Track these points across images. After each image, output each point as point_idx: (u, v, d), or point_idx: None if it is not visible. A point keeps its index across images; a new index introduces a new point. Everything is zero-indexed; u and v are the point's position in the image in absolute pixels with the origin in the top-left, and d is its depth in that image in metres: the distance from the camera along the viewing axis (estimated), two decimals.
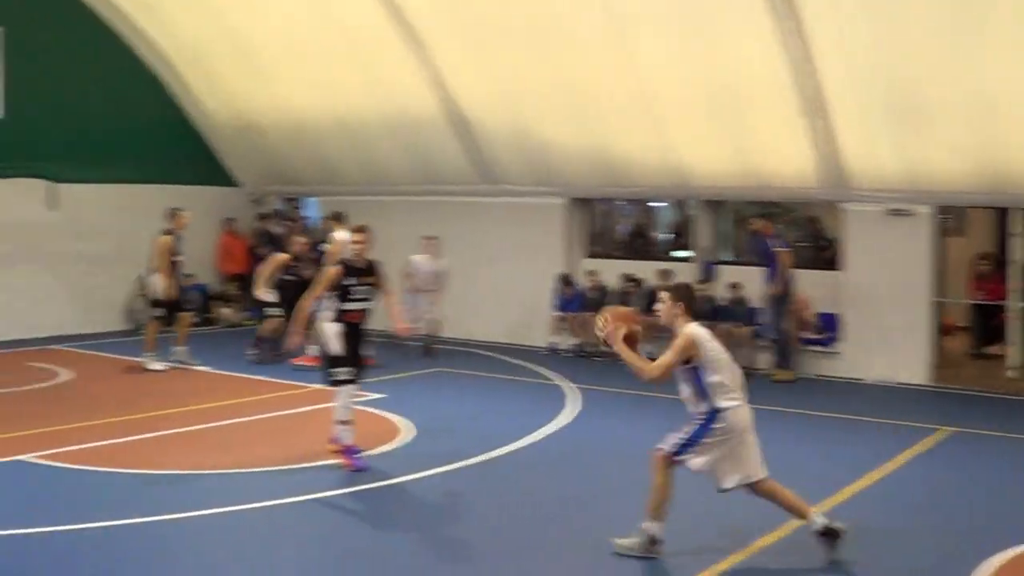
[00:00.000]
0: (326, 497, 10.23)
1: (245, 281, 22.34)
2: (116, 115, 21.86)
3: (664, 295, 8.57)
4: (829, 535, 8.36)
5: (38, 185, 20.68)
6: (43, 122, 20.57)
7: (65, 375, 16.57)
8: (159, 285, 17.00)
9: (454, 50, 18.77)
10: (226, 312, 22.61)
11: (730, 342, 17.88)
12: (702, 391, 8.33)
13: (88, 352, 18.85)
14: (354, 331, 11.29)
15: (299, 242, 18.28)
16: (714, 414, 8.27)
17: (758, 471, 8.46)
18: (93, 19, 21.55)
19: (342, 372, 11.20)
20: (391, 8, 18.45)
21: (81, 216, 20.93)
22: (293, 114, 21.96)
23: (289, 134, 22.53)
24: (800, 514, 8.49)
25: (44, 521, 9.32)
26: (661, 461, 8.43)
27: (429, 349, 18.68)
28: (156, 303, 17.17)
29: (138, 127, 22.21)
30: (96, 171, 21.37)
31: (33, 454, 11.46)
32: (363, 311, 11.42)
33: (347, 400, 11.21)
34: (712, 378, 8.29)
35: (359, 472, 10.94)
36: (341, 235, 16.32)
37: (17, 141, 20.00)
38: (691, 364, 8.30)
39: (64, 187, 20.95)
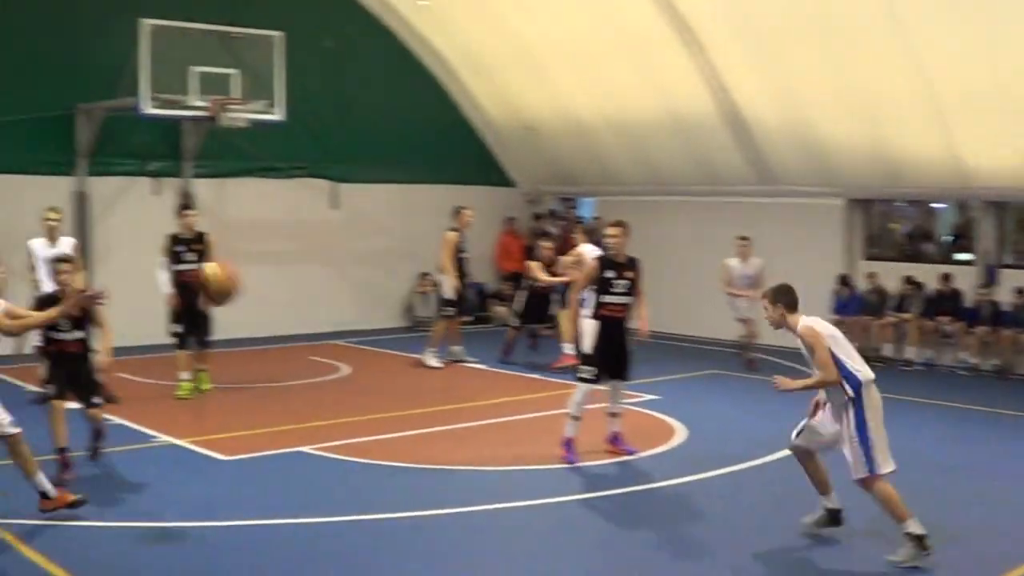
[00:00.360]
0: (598, 497, 10.14)
1: (520, 280, 22.67)
2: (396, 117, 22.38)
3: (766, 303, 8.71)
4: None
5: (321, 185, 21.41)
6: (324, 125, 21.27)
7: (345, 370, 17.05)
8: (448, 283, 17.25)
9: (732, 49, 18.45)
10: (501, 311, 22.81)
11: (1013, 349, 17.06)
12: (845, 373, 8.33)
13: (367, 348, 19.35)
14: (611, 329, 11.07)
15: (546, 247, 18.27)
16: (859, 390, 8.29)
17: None
18: (373, 23, 22.13)
19: (586, 371, 11.07)
20: (669, 9, 18.29)
21: (362, 215, 21.54)
22: (570, 115, 22.01)
23: (566, 135, 22.60)
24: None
25: (320, 511, 9.55)
26: (871, 484, 8.33)
27: (750, 362, 17.92)
28: (447, 302, 17.41)
29: (418, 129, 22.67)
30: (376, 172, 21.96)
31: (312, 446, 11.77)
32: (622, 307, 11.20)
33: (582, 398, 11.09)
34: (844, 357, 8.37)
35: (627, 472, 10.78)
36: (587, 248, 16.24)
37: (300, 144, 20.73)
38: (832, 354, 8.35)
39: (345, 187, 21.62)
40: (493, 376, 16.84)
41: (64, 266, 10.44)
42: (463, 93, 23.39)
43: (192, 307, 14.41)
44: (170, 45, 16.94)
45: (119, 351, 17.69)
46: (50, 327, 10.33)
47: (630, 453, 11.47)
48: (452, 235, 17.31)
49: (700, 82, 19.06)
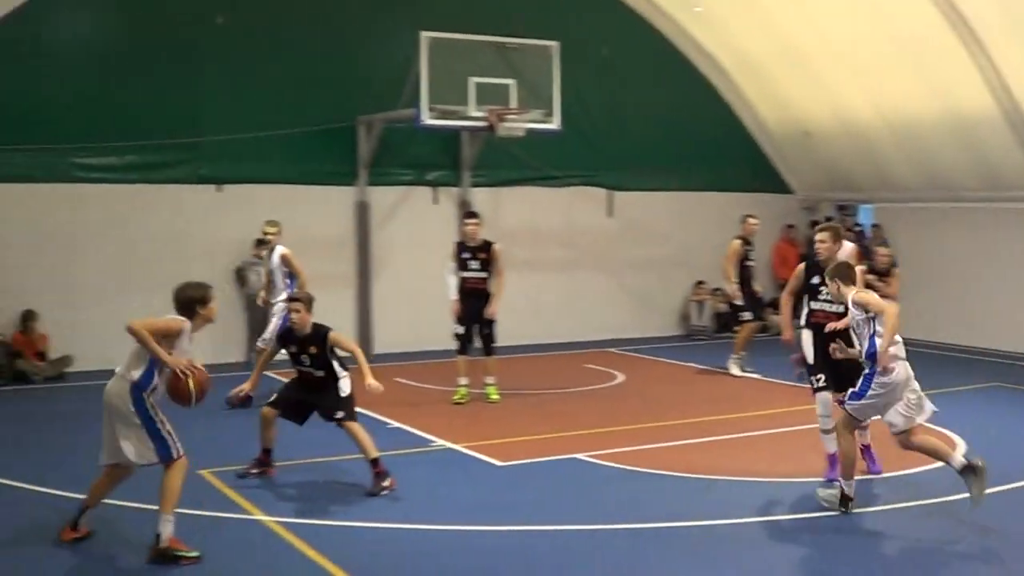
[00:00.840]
0: (870, 512, 9.70)
1: None
2: (671, 124, 22.23)
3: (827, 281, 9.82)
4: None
5: (597, 194, 21.42)
6: (599, 133, 21.31)
7: (620, 378, 16.94)
8: (729, 290, 17.09)
9: (1013, 47, 17.52)
10: (776, 319, 22.26)
11: None
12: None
13: (642, 356, 19.21)
14: (824, 334, 10.48)
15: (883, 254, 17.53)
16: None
17: None
18: (647, 29, 22.01)
19: (815, 380, 10.56)
20: (949, 9, 17.52)
21: (637, 223, 21.43)
22: (847, 119, 21.40)
23: (842, 139, 21.99)
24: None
25: (593, 518, 9.47)
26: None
27: None
28: (740, 308, 17.17)
29: (693, 136, 22.46)
30: (652, 179, 21.86)
31: (586, 453, 11.71)
32: (830, 313, 10.59)
33: (822, 409, 10.61)
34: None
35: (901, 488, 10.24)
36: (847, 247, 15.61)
37: (575, 152, 20.82)
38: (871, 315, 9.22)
39: (620, 195, 21.58)
40: (767, 386, 16.44)
41: (295, 304, 10.62)
42: (738, 98, 23.04)
43: (475, 314, 14.64)
44: (449, 57, 17.24)
45: (397, 356, 18.25)
46: (294, 360, 10.57)
47: (874, 472, 10.85)
48: (736, 243, 17.03)
49: (981, 82, 18.19)
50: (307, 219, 18.63)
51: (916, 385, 9.35)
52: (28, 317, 16.90)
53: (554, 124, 18.12)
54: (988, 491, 9.54)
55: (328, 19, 19.15)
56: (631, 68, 21.75)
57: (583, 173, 21.31)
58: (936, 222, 21.14)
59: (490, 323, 14.79)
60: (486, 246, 14.83)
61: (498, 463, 11.40)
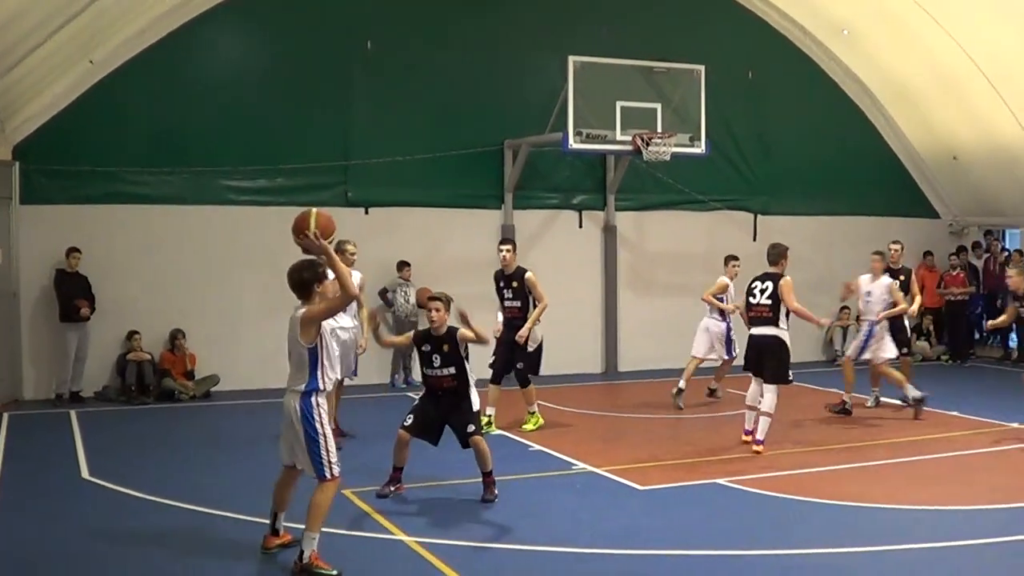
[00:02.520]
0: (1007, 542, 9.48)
1: (938, 315, 22.27)
2: (817, 148, 22.11)
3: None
4: None
5: (742, 218, 21.33)
6: (745, 156, 21.27)
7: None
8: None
9: None
10: (922, 346, 21.89)
11: None
12: None
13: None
14: None
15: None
16: None
17: None
18: (794, 53, 21.95)
19: None
20: None
21: None
22: (995, 144, 21.08)
23: (990, 163, 21.68)
24: None
25: (736, 544, 9.46)
26: None
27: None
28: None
29: (839, 159, 22.34)
30: (798, 203, 21.81)
31: (727, 478, 11.68)
32: None
33: None
34: None
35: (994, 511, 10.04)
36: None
37: (720, 175, 20.88)
38: None
39: (766, 219, 21.51)
40: (908, 414, 16.15)
41: (435, 303, 10.79)
42: (885, 122, 22.78)
43: (508, 344, 14.18)
44: (595, 81, 17.38)
45: (544, 379, 18.34)
46: (426, 362, 10.78)
47: None
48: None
49: None
50: (453, 242, 18.91)
51: None
52: (176, 336, 17.43)
53: (700, 148, 18.13)
54: None
55: (476, 44, 19.45)
56: (777, 92, 21.66)
57: (728, 197, 21.27)
58: None
59: (523, 352, 14.19)
60: (519, 274, 14.22)
61: (639, 487, 11.42)
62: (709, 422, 15.47)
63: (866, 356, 15.81)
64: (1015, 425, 14.91)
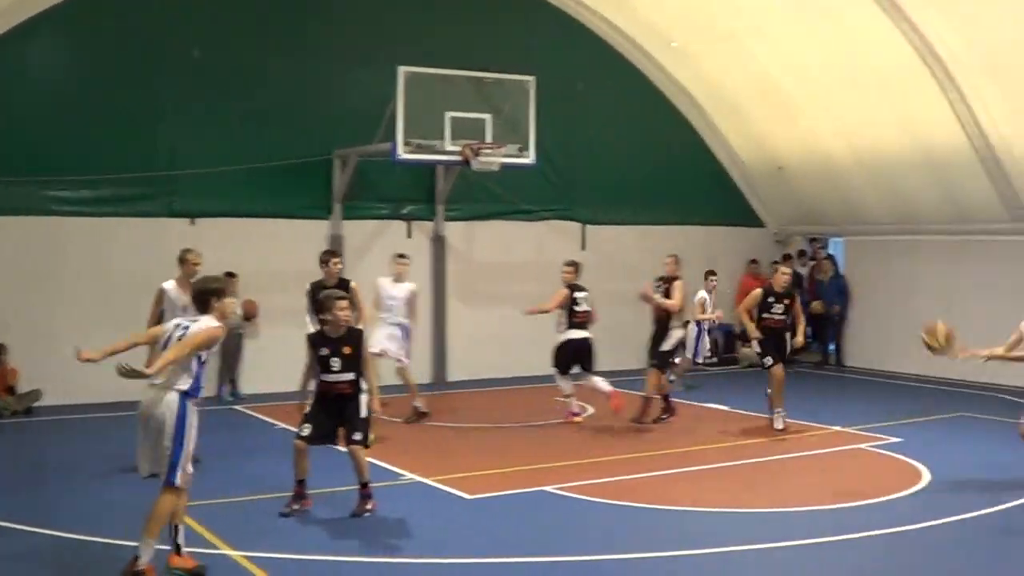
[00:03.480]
0: (838, 541, 9.78)
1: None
2: (645, 158, 22.47)
3: None
4: None
5: (571, 227, 21.58)
6: (574, 167, 21.54)
7: (589, 410, 16.99)
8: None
9: (984, 83, 17.80)
10: (746, 351, 22.43)
11: None
12: None
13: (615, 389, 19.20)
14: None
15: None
16: None
17: None
18: (623, 66, 22.29)
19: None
20: (920, 44, 17.76)
21: (610, 257, 21.50)
22: (819, 153, 21.72)
23: (814, 173, 22.30)
24: None
25: (557, 550, 9.55)
26: None
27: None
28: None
29: (667, 169, 22.73)
30: (625, 213, 22.13)
31: (555, 486, 11.78)
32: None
33: None
34: None
35: (878, 516, 10.37)
36: None
37: (549, 186, 21.07)
38: None
39: (594, 229, 21.78)
40: (733, 418, 16.65)
41: (343, 303, 10.79)
42: (712, 133, 23.29)
43: None
44: (425, 91, 17.36)
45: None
46: (322, 367, 10.70)
47: None
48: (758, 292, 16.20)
49: (951, 117, 18.48)
50: (280, 253, 18.72)
51: None
52: None
53: (529, 158, 18.26)
54: (962, 517, 9.99)
55: (305, 53, 19.27)
56: (606, 103, 21.96)
57: (557, 207, 21.48)
58: (903, 254, 21.50)
59: None
60: (343, 285, 13.80)
61: (467, 496, 11.45)
62: (541, 431, 15.58)
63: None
64: (837, 428, 15.40)
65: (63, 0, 17.49)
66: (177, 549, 8.79)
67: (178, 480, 8.49)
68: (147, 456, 8.74)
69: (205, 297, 8.90)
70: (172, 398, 8.50)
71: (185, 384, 8.55)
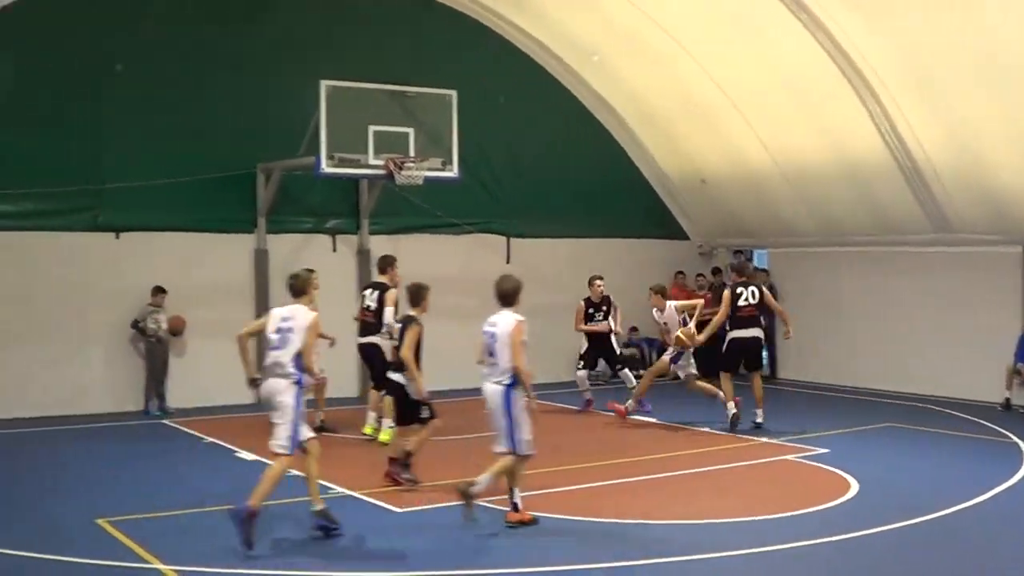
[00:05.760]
0: (774, 551, 9.93)
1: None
2: (569, 171, 22.63)
3: None
4: None
5: (496, 241, 21.70)
6: (498, 180, 21.68)
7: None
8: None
9: (905, 95, 18.02)
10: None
11: None
12: None
13: (541, 402, 19.26)
14: None
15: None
16: None
17: None
18: (545, 79, 22.45)
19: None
20: (840, 56, 18.00)
21: (536, 270, 21.49)
22: (742, 165, 21.91)
23: (738, 186, 22.51)
24: None
25: (479, 564, 9.66)
26: None
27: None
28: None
29: (591, 182, 22.88)
30: (550, 226, 22.27)
31: (485, 499, 11.76)
32: None
33: None
34: None
35: (807, 526, 10.55)
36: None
37: (474, 199, 21.17)
38: None
39: (519, 242, 21.93)
40: (664, 430, 16.79)
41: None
42: (635, 146, 23.49)
43: None
44: (348, 105, 17.39)
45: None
46: None
47: None
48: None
49: (873, 130, 18.71)
50: (205, 267, 18.66)
51: None
52: None
53: (453, 172, 18.34)
54: (889, 527, 10.14)
55: (228, 67, 19.22)
56: (529, 116, 22.10)
57: (482, 220, 21.57)
58: (829, 266, 21.77)
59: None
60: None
61: (396, 509, 11.48)
62: (472, 443, 15.61)
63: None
64: (764, 440, 15.61)
65: None
66: (514, 508, 10.64)
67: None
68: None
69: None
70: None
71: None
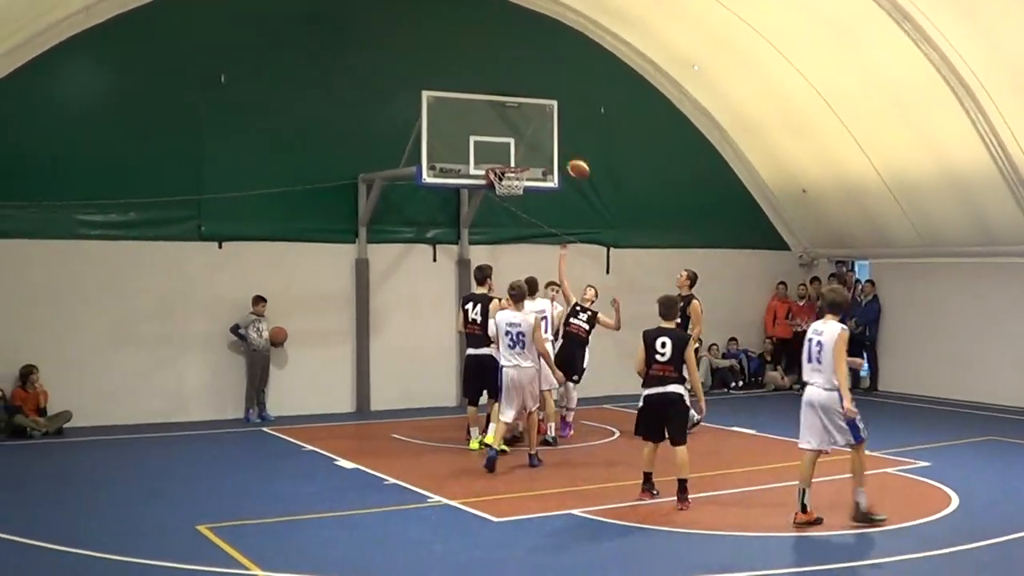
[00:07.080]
0: (870, 565, 9.79)
1: (788, 345, 22.41)
2: (669, 181, 22.52)
3: None
4: None
5: (595, 251, 21.60)
6: (598, 190, 21.55)
7: (616, 434, 17.04)
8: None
9: (1008, 103, 17.71)
10: (773, 375, 22.44)
11: None
12: None
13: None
14: None
15: None
16: None
17: None
18: (646, 90, 22.34)
19: None
20: (943, 64, 17.72)
21: (634, 280, 21.40)
22: (843, 175, 21.68)
23: (839, 196, 22.25)
24: None
25: (587, 573, 9.58)
26: None
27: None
28: None
29: (691, 193, 22.74)
30: (649, 237, 22.14)
31: (582, 509, 11.76)
32: None
33: None
34: None
35: (908, 541, 10.32)
36: None
37: (574, 209, 21.09)
38: None
39: (618, 252, 21.83)
40: (763, 441, 16.59)
41: None
42: (736, 157, 23.31)
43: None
44: (449, 116, 17.43)
45: (394, 414, 18.33)
46: None
47: None
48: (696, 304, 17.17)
49: (975, 138, 18.40)
50: (306, 277, 18.82)
51: None
52: (28, 372, 16.95)
53: (553, 182, 18.30)
54: (990, 542, 9.96)
55: (331, 78, 19.41)
56: (630, 126, 22.03)
57: (581, 230, 21.46)
58: (931, 277, 21.43)
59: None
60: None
61: (494, 519, 11.44)
62: (572, 453, 15.57)
63: None
64: (865, 452, 15.29)
65: (92, 25, 17.67)
66: (803, 508, 10.94)
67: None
68: None
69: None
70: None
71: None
